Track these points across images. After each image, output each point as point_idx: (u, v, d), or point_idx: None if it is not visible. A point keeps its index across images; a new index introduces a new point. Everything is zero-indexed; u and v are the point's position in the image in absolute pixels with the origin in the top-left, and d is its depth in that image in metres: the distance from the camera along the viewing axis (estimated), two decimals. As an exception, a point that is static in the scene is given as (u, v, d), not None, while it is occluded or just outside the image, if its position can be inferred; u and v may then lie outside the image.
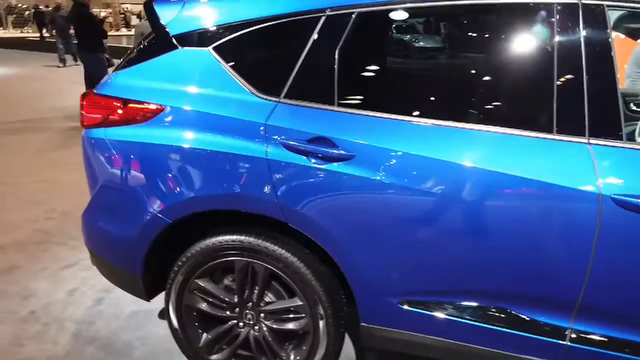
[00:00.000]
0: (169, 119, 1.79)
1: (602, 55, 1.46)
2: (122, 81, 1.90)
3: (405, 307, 1.70)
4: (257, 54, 1.81)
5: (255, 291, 1.87)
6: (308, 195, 1.65)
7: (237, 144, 1.70)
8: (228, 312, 1.94)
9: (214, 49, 1.79)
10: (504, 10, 1.57)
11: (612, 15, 1.51)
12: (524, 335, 1.60)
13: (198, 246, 1.85)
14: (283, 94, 1.70)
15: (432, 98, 1.69)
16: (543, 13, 1.52)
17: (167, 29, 1.85)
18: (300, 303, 1.81)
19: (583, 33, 1.46)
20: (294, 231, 1.75)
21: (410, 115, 1.60)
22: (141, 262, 1.93)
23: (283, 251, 1.77)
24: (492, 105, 1.62)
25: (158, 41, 1.89)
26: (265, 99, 1.71)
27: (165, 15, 1.88)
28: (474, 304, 1.65)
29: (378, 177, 1.56)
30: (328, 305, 1.78)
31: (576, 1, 1.48)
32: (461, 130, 1.54)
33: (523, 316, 1.61)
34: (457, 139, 1.54)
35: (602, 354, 1.54)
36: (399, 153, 1.56)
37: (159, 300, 2.16)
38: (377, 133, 1.59)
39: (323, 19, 1.68)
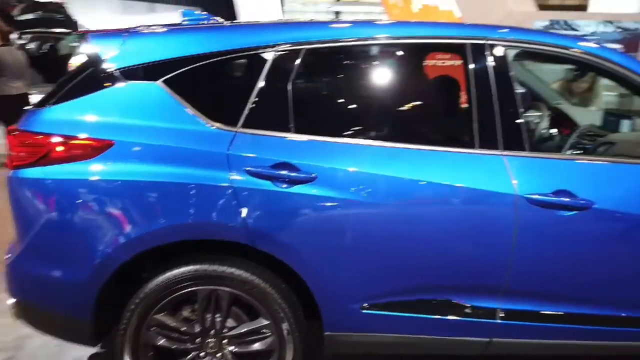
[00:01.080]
0: (120, 153, 1.76)
1: (505, 86, 1.84)
2: (58, 116, 1.81)
3: (366, 311, 1.88)
4: (211, 86, 1.89)
5: (218, 318, 1.90)
6: (276, 218, 1.77)
7: (199, 174, 1.75)
8: (189, 344, 1.93)
9: (164, 82, 1.82)
10: (431, 47, 1.89)
11: (511, 53, 1.91)
12: (465, 320, 1.89)
13: (158, 280, 1.82)
14: (240, 124, 1.80)
15: (379, 123, 1.94)
16: (460, 51, 1.87)
17: (109, 63, 1.83)
18: (266, 322, 1.88)
19: (491, 68, 1.84)
20: (254, 253, 1.84)
21: (362, 138, 1.83)
22: (91, 305, 1.83)
23: (248, 274, 1.84)
24: (431, 129, 1.93)
25: (98, 75, 1.85)
26: (223, 129, 1.79)
27: (105, 49, 1.86)
28: (423, 298, 1.90)
29: (338, 195, 1.75)
30: (293, 320, 1.89)
31: (483, 42, 1.85)
32: (406, 150, 1.81)
33: (463, 304, 1.90)
34: (403, 158, 1.80)
35: (526, 326, 1.90)
36: (354, 172, 1.77)
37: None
38: (334, 155, 1.79)
39: (274, 53, 1.84)
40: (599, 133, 2.69)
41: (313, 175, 1.75)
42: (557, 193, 1.76)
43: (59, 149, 1.77)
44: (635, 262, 1.86)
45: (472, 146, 1.82)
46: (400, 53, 2.02)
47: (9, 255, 1.93)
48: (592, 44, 1.97)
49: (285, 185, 1.74)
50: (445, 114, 1.93)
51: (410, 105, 1.99)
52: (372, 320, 1.89)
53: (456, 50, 1.89)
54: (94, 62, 1.87)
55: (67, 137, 1.77)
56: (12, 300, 1.97)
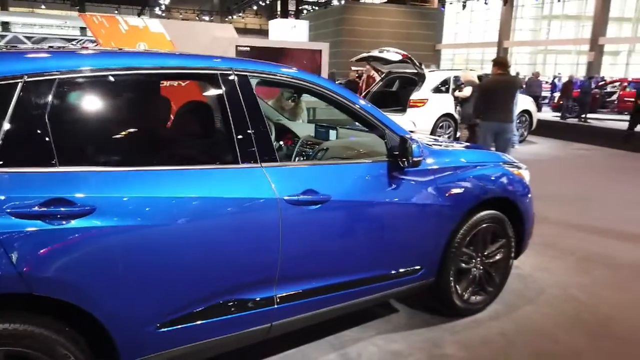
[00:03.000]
0: None
1: (254, 109, 2.19)
2: None
3: (161, 329, 1.94)
4: None
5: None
6: (56, 258, 1.66)
7: None
8: None
9: None
10: (186, 77, 2.08)
11: (254, 81, 2.26)
12: (250, 313, 2.17)
13: None
14: None
15: (148, 149, 2.01)
16: (212, 80, 2.12)
17: None
18: None
19: (239, 94, 2.15)
20: (30, 303, 1.68)
21: (133, 165, 1.88)
22: None
23: (25, 326, 1.66)
24: (197, 150, 2.11)
25: None
26: None
27: None
28: (211, 304, 2.08)
29: (121, 223, 1.77)
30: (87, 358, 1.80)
31: (230, 72, 2.16)
32: (176, 171, 1.96)
33: (246, 299, 2.17)
34: (174, 178, 1.94)
35: (300, 304, 2.30)
36: (137, 197, 1.82)
37: None
38: (112, 184, 1.79)
39: (21, 84, 1.71)
40: (315, 142, 3.37)
41: (91, 206, 1.72)
42: (306, 192, 2.22)
43: None
44: (367, 234, 2.49)
45: (236, 162, 2.10)
46: (159, 82, 2.14)
47: None
48: (293, 69, 2.49)
49: (58, 222, 1.66)
50: (209, 136, 2.16)
51: (175, 130, 2.13)
52: (168, 337, 1.97)
53: (210, 79, 2.14)
54: None
55: None
56: None
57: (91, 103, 1.88)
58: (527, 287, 3.52)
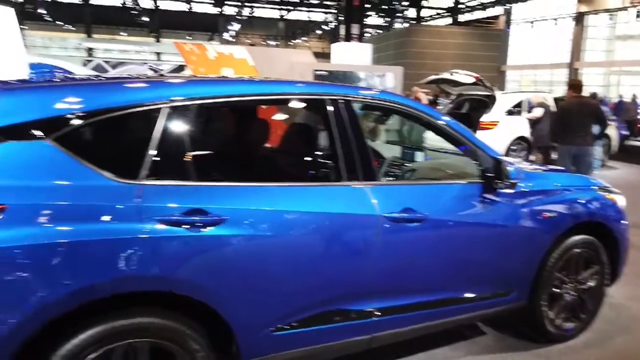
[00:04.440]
0: (15, 217, 1.62)
1: (357, 131, 2.34)
2: None
3: (276, 332, 2.10)
4: (108, 142, 1.88)
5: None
6: (192, 261, 1.87)
7: (109, 228, 1.74)
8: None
9: (55, 140, 1.75)
10: (304, 102, 2.28)
11: (357, 105, 2.42)
12: (354, 323, 2.28)
13: (72, 343, 1.70)
14: (142, 176, 1.85)
15: (274, 167, 2.21)
16: (321, 105, 2.30)
17: None
18: None
19: (344, 118, 2.31)
20: (165, 299, 1.88)
21: (256, 180, 2.08)
22: None
23: (165, 321, 1.87)
24: (307, 168, 2.30)
25: None
26: (127, 183, 1.82)
27: None
28: (319, 312, 2.22)
29: (246, 233, 1.96)
30: (212, 355, 1.98)
31: (337, 97, 2.32)
32: (293, 187, 2.14)
33: (349, 310, 2.28)
34: (288, 194, 2.12)
35: (397, 318, 2.39)
36: (259, 210, 2.01)
37: None
38: (239, 197, 1.99)
39: (167, 108, 1.95)
40: (401, 162, 3.48)
41: (222, 217, 1.92)
42: (404, 211, 2.33)
43: None
44: (460, 254, 2.56)
45: (341, 180, 2.25)
46: (276, 107, 2.36)
47: None
48: (395, 94, 2.63)
49: (196, 230, 1.87)
50: (317, 156, 2.35)
51: (288, 150, 2.34)
52: (281, 340, 2.13)
53: (320, 103, 2.32)
54: None
55: None
56: None
57: (224, 126, 2.11)
58: (619, 315, 3.40)
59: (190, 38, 37.90)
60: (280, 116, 2.52)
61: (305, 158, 2.34)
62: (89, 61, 23.84)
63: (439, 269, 2.52)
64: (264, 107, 2.22)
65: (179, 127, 1.96)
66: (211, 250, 1.90)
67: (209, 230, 1.88)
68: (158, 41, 38.14)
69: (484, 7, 34.12)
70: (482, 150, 2.64)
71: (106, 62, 22.39)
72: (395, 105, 2.56)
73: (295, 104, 2.38)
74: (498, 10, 34.52)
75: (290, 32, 42.56)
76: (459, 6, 34.49)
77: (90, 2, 35.84)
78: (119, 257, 1.74)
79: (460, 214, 2.54)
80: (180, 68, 14.37)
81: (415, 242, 2.39)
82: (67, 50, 35.77)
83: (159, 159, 1.89)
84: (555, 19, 32.96)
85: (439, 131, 2.67)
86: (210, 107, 2.06)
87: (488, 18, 35.46)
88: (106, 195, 1.77)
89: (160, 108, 1.93)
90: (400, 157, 3.58)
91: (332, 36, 39.44)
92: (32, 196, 1.67)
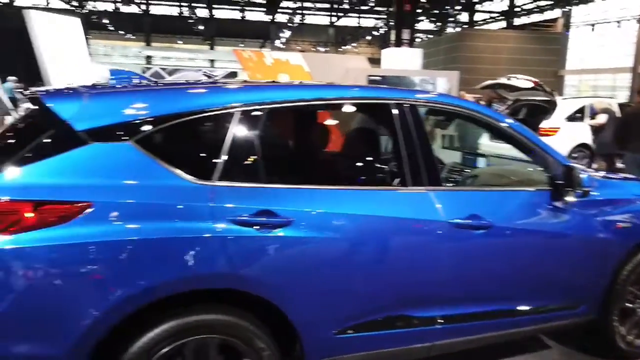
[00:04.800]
0: (99, 214, 1.72)
1: (422, 136, 2.32)
2: (17, 182, 1.69)
3: (339, 335, 2.11)
4: (184, 144, 1.96)
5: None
6: (260, 261, 1.91)
7: (186, 227, 1.81)
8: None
9: (137, 141, 1.85)
10: (370, 106, 2.30)
11: (422, 110, 2.41)
12: (415, 330, 2.26)
13: (147, 338, 1.78)
14: (216, 177, 1.92)
15: (341, 170, 2.24)
16: (387, 109, 2.30)
17: (70, 125, 1.79)
18: None
19: (409, 122, 2.30)
20: (233, 298, 1.94)
21: (321, 184, 2.10)
22: None
23: (234, 318, 1.92)
24: (372, 172, 2.31)
25: (59, 137, 1.79)
26: (201, 184, 1.89)
27: (64, 110, 1.82)
28: (381, 317, 2.21)
29: (313, 235, 1.99)
30: (277, 355, 2.02)
31: (403, 102, 2.32)
32: (359, 191, 2.15)
33: (411, 316, 2.26)
34: (359, 198, 2.13)
35: (459, 327, 2.35)
36: (325, 212, 2.03)
37: None
38: (305, 200, 2.02)
39: (238, 113, 2.01)
40: (461, 168, 3.42)
41: (290, 219, 1.95)
42: (470, 217, 2.29)
43: (30, 215, 1.65)
44: (527, 264, 2.48)
45: (406, 185, 2.24)
46: (349, 111, 2.39)
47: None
48: (458, 99, 2.60)
49: (265, 231, 1.91)
50: (382, 160, 2.35)
51: (353, 154, 2.36)
52: (343, 343, 2.13)
53: (385, 108, 2.32)
54: (53, 123, 1.80)
55: (40, 202, 1.66)
56: None
57: (292, 129, 2.16)
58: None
59: (243, 45, 38.83)
60: (345, 120, 2.54)
61: (370, 162, 2.35)
62: (148, 68, 24.94)
63: (503, 278, 2.45)
64: (330, 111, 2.25)
65: (250, 130, 2.02)
66: (279, 250, 1.94)
67: (277, 231, 1.92)
68: (212, 49, 39.35)
69: (541, 10, 32.97)
70: (551, 156, 2.55)
71: (163, 69, 23.36)
72: (462, 110, 2.52)
73: (361, 109, 2.40)
74: (556, 12, 33.22)
75: (339, 39, 42.78)
76: (515, 9, 33.47)
77: (150, 12, 37.48)
78: (194, 255, 1.81)
79: (528, 222, 2.46)
80: (232, 74, 14.79)
81: (481, 249, 2.34)
82: (127, 58, 37.57)
83: (230, 160, 1.95)
84: (617, 22, 31.35)
85: (506, 136, 2.60)
86: (279, 111, 2.11)
87: (545, 21, 34.18)
88: (182, 195, 1.85)
89: (233, 112, 1.99)
90: (460, 163, 3.52)
91: (382, 42, 39.31)
92: (115, 195, 1.76)
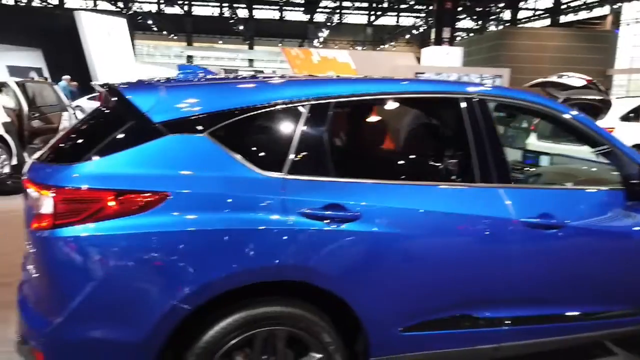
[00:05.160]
0: (176, 204, 1.75)
1: (492, 132, 2.26)
2: (99, 171, 1.74)
3: (404, 333, 2.08)
4: (254, 136, 1.98)
5: (275, 358, 1.93)
6: (329, 255, 1.90)
7: (258, 218, 1.82)
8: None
9: (210, 134, 1.87)
10: (437, 101, 2.26)
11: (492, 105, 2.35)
12: (481, 331, 2.20)
13: (218, 329, 1.81)
14: (286, 170, 1.92)
15: (409, 165, 2.21)
16: (456, 104, 2.25)
17: (148, 117, 1.83)
18: (319, 356, 1.97)
19: (479, 118, 2.24)
20: (301, 292, 1.93)
21: (388, 178, 2.07)
22: None
23: (302, 311, 1.93)
24: (441, 168, 2.27)
25: (136, 129, 1.83)
26: (272, 176, 1.90)
27: (142, 103, 1.86)
28: (447, 316, 2.17)
29: (381, 230, 1.96)
30: (343, 350, 2.01)
31: (471, 96, 2.26)
32: (428, 187, 2.11)
33: (478, 317, 2.21)
34: (427, 193, 2.09)
35: (526, 329, 2.28)
36: (393, 208, 2.00)
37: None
38: (374, 195, 2.00)
39: (307, 107, 2.01)
40: (523, 166, 3.33)
41: (358, 213, 1.94)
42: (541, 216, 2.21)
43: (112, 203, 1.70)
44: (599, 266, 2.38)
45: (474, 181, 2.19)
46: (418, 106, 2.36)
47: (44, 323, 1.74)
48: (531, 94, 2.50)
49: (334, 224, 1.90)
50: (451, 156, 2.30)
51: (428, 149, 2.33)
52: (408, 341, 2.10)
53: (454, 102, 2.27)
54: (131, 115, 1.85)
55: (122, 191, 1.71)
56: None
57: (360, 124, 2.14)
58: None
59: (281, 45, 39.13)
60: (414, 115, 2.50)
61: (439, 157, 2.31)
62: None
63: (573, 280, 2.36)
64: (399, 105, 2.22)
65: (320, 124, 2.02)
66: (348, 244, 1.93)
67: (346, 225, 1.91)
68: (251, 48, 39.85)
69: (588, 7, 31.78)
70: (626, 155, 2.44)
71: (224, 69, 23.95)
72: (534, 106, 2.44)
73: (431, 103, 2.35)
74: (605, 10, 31.95)
75: (377, 38, 42.52)
76: (561, 7, 32.40)
77: (192, 12, 38.28)
78: (265, 246, 1.82)
79: (600, 223, 2.36)
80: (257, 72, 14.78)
81: (551, 250, 2.26)
82: (169, 58, 38.53)
83: (300, 154, 1.95)
84: (672, 18, 29.88)
85: (580, 134, 2.50)
86: (349, 105, 2.10)
87: (593, 18, 32.92)
88: (254, 187, 1.86)
89: (304, 106, 1.99)
90: (521, 161, 3.42)
91: (420, 40, 38.82)
92: (192, 185, 1.79)
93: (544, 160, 3.21)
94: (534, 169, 3.12)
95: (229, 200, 1.82)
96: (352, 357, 2.10)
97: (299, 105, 2.00)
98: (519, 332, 2.29)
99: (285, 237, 1.84)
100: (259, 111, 1.96)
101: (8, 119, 6.91)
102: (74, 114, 8.38)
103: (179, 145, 1.84)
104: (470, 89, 2.30)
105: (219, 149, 1.87)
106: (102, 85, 2.10)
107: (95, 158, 1.76)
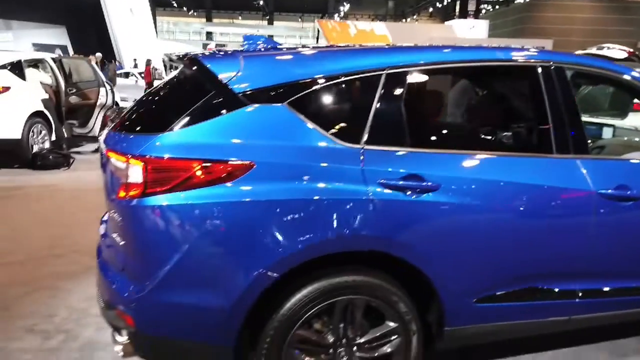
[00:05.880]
0: (262, 174, 1.75)
1: (569, 101, 2.20)
2: (186, 141, 1.75)
3: (478, 304, 2.08)
4: (332, 106, 1.95)
5: (352, 326, 1.95)
6: (408, 225, 1.89)
7: (339, 188, 1.81)
8: (323, 356, 1.94)
9: (289, 104, 1.85)
10: (512, 69, 2.21)
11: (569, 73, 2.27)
12: (554, 302, 2.19)
13: (300, 296, 1.82)
14: (364, 141, 1.90)
15: (489, 136, 2.18)
16: (532, 72, 2.19)
17: (230, 87, 1.82)
18: (394, 325, 1.98)
19: (556, 86, 2.18)
20: (379, 262, 1.94)
21: (474, 149, 2.05)
22: (237, 330, 1.77)
23: (379, 281, 1.93)
24: (518, 139, 2.22)
25: (219, 99, 1.82)
26: (351, 147, 1.88)
27: (223, 73, 1.85)
28: (518, 288, 2.15)
29: (460, 201, 1.94)
30: (418, 320, 2.01)
31: (549, 64, 2.19)
32: (504, 158, 2.07)
33: (551, 289, 2.18)
34: (504, 165, 2.06)
35: (598, 302, 2.26)
36: (472, 179, 1.97)
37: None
38: (452, 165, 1.97)
39: (384, 76, 1.97)
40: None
41: (437, 184, 1.91)
42: (619, 187, 2.16)
43: (200, 173, 1.71)
44: None
45: (551, 152, 2.14)
46: (496, 74, 2.30)
47: (132, 288, 1.78)
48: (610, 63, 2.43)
49: (413, 195, 1.88)
50: (527, 126, 2.25)
51: (505, 119, 2.29)
52: (482, 312, 2.10)
53: (530, 71, 2.21)
54: (213, 85, 1.84)
55: (208, 161, 1.71)
56: (124, 339, 1.83)
57: (438, 94, 2.10)
58: None
59: (301, 20, 38.64)
60: (491, 84, 2.44)
61: (517, 127, 2.26)
62: (206, 44, 25.41)
63: (648, 253, 2.31)
64: (476, 75, 2.17)
65: (399, 94, 1.98)
66: (427, 215, 1.91)
67: (425, 196, 1.89)
68: (271, 24, 39.43)
69: (621, -24, 30.59)
70: None
71: (222, 45, 23.82)
72: (610, 74, 2.37)
73: (508, 72, 2.29)
74: (639, -21, 30.70)
75: (399, 11, 41.66)
76: (591, -23, 31.25)
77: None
78: (346, 216, 1.81)
79: None
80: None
81: (630, 223, 2.21)
82: (189, 35, 38.40)
83: (379, 124, 1.92)
84: None
85: None
86: (427, 74, 2.05)
87: (625, -11, 31.66)
88: (333, 157, 1.85)
89: (382, 75, 1.96)
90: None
91: (444, 14, 37.85)
92: (275, 155, 1.78)
93: (608, 133, 3.13)
94: (598, 141, 3.04)
95: (310, 171, 1.81)
96: (424, 327, 2.10)
97: (377, 75, 1.96)
98: (590, 305, 2.27)
99: (365, 208, 1.83)
100: (338, 80, 1.93)
101: (46, 95, 6.99)
102: (111, 89, 8.42)
103: (261, 115, 1.83)
104: (550, 56, 2.23)
105: (299, 119, 1.85)
106: (182, 56, 2.09)
107: (181, 128, 1.76)
